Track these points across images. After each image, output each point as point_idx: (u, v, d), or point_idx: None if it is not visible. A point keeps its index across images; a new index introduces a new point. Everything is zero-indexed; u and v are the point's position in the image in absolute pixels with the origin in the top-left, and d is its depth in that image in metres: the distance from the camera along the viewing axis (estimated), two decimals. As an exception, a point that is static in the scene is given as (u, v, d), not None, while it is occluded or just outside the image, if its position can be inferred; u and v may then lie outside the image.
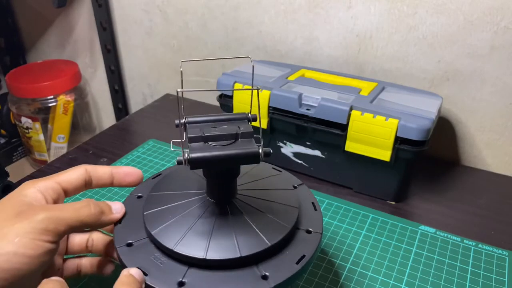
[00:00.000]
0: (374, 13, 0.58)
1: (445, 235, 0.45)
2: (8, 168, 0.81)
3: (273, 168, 0.39)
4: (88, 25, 0.88)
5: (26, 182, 0.32)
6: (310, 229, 0.32)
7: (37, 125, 0.87)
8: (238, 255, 0.28)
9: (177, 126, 0.31)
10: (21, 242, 0.27)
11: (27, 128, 0.87)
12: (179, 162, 0.28)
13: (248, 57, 0.31)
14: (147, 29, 0.80)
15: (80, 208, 0.30)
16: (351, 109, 0.47)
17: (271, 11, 0.65)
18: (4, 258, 0.26)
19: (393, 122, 0.45)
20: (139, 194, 0.36)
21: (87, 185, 0.34)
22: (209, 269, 0.29)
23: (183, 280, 0.28)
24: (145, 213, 0.32)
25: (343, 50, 0.62)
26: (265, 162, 0.39)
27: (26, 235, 0.27)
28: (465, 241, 0.45)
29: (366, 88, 0.52)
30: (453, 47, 0.55)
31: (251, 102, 0.28)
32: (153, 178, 0.38)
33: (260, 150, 0.28)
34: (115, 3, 0.81)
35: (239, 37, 0.71)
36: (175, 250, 0.29)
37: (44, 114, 0.87)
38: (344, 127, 0.48)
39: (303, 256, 0.30)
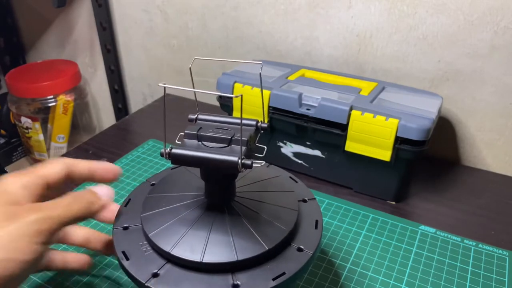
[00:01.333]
0: (374, 13, 0.58)
1: (445, 235, 0.45)
2: (8, 168, 0.81)
3: (290, 177, 0.38)
4: (88, 25, 0.88)
5: (6, 176, 0.30)
6: (302, 247, 0.31)
7: (37, 125, 0.87)
8: (208, 260, 0.28)
9: (190, 120, 0.32)
10: (14, 246, 0.26)
11: (27, 128, 0.87)
12: (162, 155, 0.29)
13: (260, 62, 0.32)
14: (147, 29, 0.80)
15: (70, 204, 0.29)
16: (351, 109, 0.47)
17: (271, 11, 0.65)
18: None
19: (393, 122, 0.45)
20: (153, 182, 0.37)
21: (69, 179, 0.33)
22: (184, 268, 0.29)
23: (158, 272, 0.28)
24: (142, 215, 0.33)
25: (343, 50, 0.62)
26: (280, 168, 0.39)
27: (19, 238, 0.26)
28: (465, 241, 0.45)
29: (366, 88, 0.52)
30: (453, 47, 0.55)
31: (241, 110, 0.27)
32: (172, 169, 0.39)
33: (239, 161, 0.27)
34: (115, 3, 0.81)
35: (239, 37, 0.71)
36: (153, 240, 0.30)
37: (44, 114, 0.86)
38: (344, 127, 0.48)
39: (283, 273, 0.29)
